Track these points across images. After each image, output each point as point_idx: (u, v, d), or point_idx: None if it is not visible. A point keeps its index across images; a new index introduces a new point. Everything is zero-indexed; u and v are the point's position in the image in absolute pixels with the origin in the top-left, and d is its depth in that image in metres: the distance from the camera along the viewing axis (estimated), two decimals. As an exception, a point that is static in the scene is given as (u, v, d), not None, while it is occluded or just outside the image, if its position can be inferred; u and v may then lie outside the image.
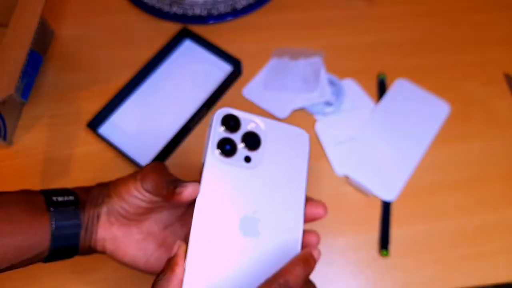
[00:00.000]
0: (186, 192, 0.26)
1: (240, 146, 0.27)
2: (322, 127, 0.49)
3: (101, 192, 0.30)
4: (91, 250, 0.30)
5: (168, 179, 0.28)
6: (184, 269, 0.25)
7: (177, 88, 0.51)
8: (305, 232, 0.28)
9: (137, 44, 0.55)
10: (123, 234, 0.30)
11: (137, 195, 0.29)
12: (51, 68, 0.53)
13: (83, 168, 0.47)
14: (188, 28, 0.54)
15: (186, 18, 0.55)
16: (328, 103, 0.50)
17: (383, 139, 0.48)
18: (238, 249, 0.26)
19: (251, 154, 0.27)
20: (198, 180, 0.27)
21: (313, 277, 0.41)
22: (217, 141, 0.27)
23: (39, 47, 0.53)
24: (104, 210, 0.30)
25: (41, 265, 0.30)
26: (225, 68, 0.53)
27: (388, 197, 0.45)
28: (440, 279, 0.41)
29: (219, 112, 0.28)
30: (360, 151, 0.47)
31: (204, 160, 0.27)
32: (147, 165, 0.30)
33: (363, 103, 0.50)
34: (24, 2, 0.46)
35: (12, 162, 0.47)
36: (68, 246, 0.29)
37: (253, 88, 0.52)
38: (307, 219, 0.28)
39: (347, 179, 0.46)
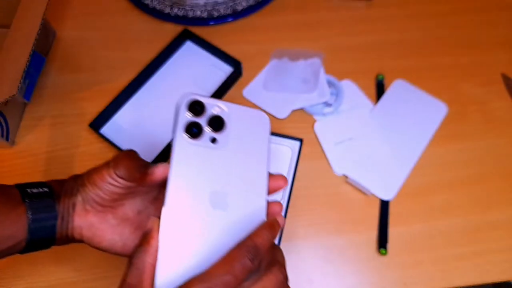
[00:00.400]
0: (158, 171, 0.28)
1: (206, 128, 0.29)
2: (321, 127, 0.49)
3: (76, 182, 0.31)
4: (68, 239, 0.31)
5: (140, 164, 0.30)
6: (158, 241, 0.26)
7: (178, 89, 0.52)
8: (269, 203, 0.30)
9: (138, 45, 0.55)
10: (99, 221, 0.31)
11: (111, 182, 0.30)
12: (53, 69, 0.54)
13: (85, 168, 0.46)
14: (189, 30, 0.54)
15: (187, 19, 0.55)
16: (327, 104, 0.50)
17: (382, 139, 0.48)
18: (208, 221, 0.28)
19: (217, 135, 0.29)
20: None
21: (313, 275, 0.42)
22: (184, 124, 0.29)
23: (41, 48, 0.53)
24: (79, 199, 0.30)
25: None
26: (226, 69, 0.53)
27: (386, 196, 0.45)
28: (438, 278, 0.42)
29: (185, 98, 0.29)
30: (359, 151, 0.48)
31: (173, 143, 0.28)
32: (119, 153, 0.31)
33: (362, 104, 0.51)
34: (26, 4, 0.47)
35: (15, 162, 0.48)
36: (45, 237, 0.30)
37: (253, 88, 0.52)
38: (270, 191, 0.30)
39: (346, 179, 0.46)
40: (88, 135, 0.49)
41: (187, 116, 0.29)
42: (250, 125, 0.31)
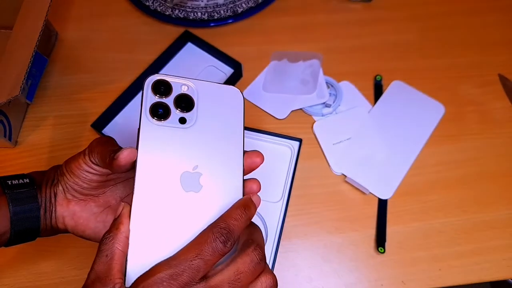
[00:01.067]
0: (122, 156, 0.27)
1: (173, 108, 0.28)
2: (320, 127, 0.50)
3: (56, 171, 0.31)
4: (53, 229, 0.31)
5: (113, 150, 0.28)
6: (128, 227, 0.25)
7: (178, 90, 0.52)
8: (246, 181, 0.29)
9: (140, 46, 0.56)
10: (81, 209, 0.31)
11: (87, 169, 0.30)
12: (56, 70, 0.54)
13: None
14: (190, 31, 0.55)
15: (188, 21, 0.56)
16: (326, 105, 0.51)
17: (380, 139, 0.49)
18: (181, 204, 0.27)
19: (185, 115, 0.28)
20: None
21: (312, 273, 0.42)
22: (149, 106, 0.27)
23: (44, 49, 0.54)
24: (60, 188, 0.31)
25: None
26: (226, 70, 0.54)
27: (384, 195, 0.46)
28: (436, 276, 0.42)
29: (149, 79, 0.28)
30: (357, 150, 0.48)
31: (139, 126, 0.27)
32: (94, 140, 0.31)
33: (360, 104, 0.51)
34: (29, 5, 0.47)
35: (17, 162, 0.48)
36: (29, 228, 0.30)
37: (253, 90, 0.53)
38: (247, 169, 0.29)
39: (344, 178, 0.47)
40: (90, 136, 0.49)
41: (152, 98, 0.28)
42: (222, 102, 0.29)
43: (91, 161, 0.29)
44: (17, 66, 0.43)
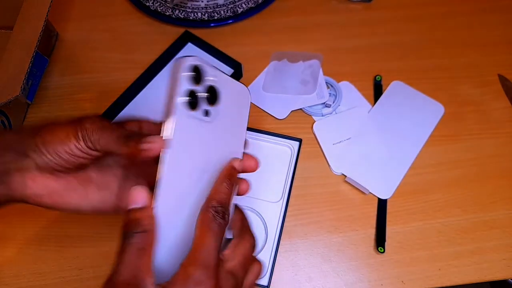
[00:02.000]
0: (154, 147, 0.25)
1: (202, 99, 0.26)
2: (320, 127, 0.50)
3: (23, 141, 0.28)
4: (8, 202, 0.29)
5: (120, 134, 0.27)
6: (155, 221, 0.25)
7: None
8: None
9: (140, 47, 0.56)
10: (62, 188, 0.29)
11: (79, 154, 0.27)
12: (56, 70, 0.54)
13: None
14: (190, 32, 0.55)
15: (188, 21, 0.56)
16: (326, 105, 0.51)
17: (379, 139, 0.49)
18: (193, 199, 0.27)
19: (210, 108, 0.27)
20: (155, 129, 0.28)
21: (312, 273, 0.42)
22: (184, 92, 0.25)
23: (44, 49, 0.54)
24: (31, 164, 0.27)
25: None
26: (226, 71, 0.54)
27: (384, 195, 0.46)
28: (436, 276, 0.42)
29: (186, 62, 0.26)
30: (357, 150, 0.48)
31: (171, 112, 0.25)
32: (86, 121, 0.27)
33: (360, 105, 0.51)
34: (29, 5, 0.47)
35: (18, 162, 0.48)
36: None
37: (253, 90, 0.53)
38: (242, 171, 0.30)
39: (344, 178, 0.47)
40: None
41: (186, 83, 0.26)
42: (236, 98, 0.29)
43: (87, 146, 0.27)
44: (18, 66, 0.43)
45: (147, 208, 0.25)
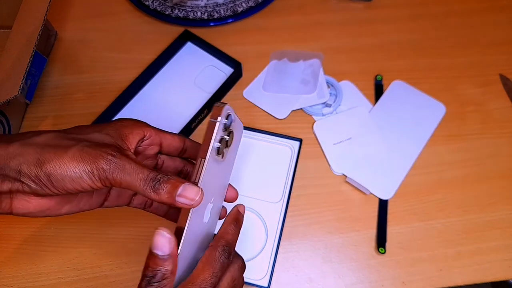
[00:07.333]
0: (189, 203, 0.25)
1: (224, 144, 0.28)
2: (320, 127, 0.50)
3: (9, 161, 0.24)
4: None
5: (145, 176, 0.25)
6: (176, 266, 0.25)
7: (179, 90, 0.52)
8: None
9: (139, 46, 0.56)
10: (56, 203, 0.27)
11: (89, 188, 0.25)
12: (55, 70, 0.54)
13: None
14: (189, 31, 0.55)
15: (188, 21, 0.56)
16: (326, 104, 0.51)
17: (380, 139, 0.49)
18: (200, 233, 0.29)
19: (225, 150, 0.29)
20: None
21: (312, 274, 0.42)
22: (217, 143, 0.27)
23: (43, 49, 0.54)
24: (27, 190, 0.25)
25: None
26: (226, 70, 0.53)
27: (385, 195, 0.45)
28: (436, 277, 0.42)
29: (224, 112, 0.27)
30: (358, 150, 0.48)
31: (205, 161, 0.26)
32: (101, 161, 0.24)
33: (361, 104, 0.51)
34: (28, 5, 0.47)
35: (16, 162, 0.48)
36: None
37: (253, 89, 0.52)
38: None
39: (345, 178, 0.47)
40: (89, 135, 0.49)
41: (220, 133, 0.27)
42: (238, 135, 0.31)
43: (104, 185, 0.25)
44: (16, 65, 0.43)
45: (171, 257, 0.24)
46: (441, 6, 0.59)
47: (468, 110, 0.51)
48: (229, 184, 0.33)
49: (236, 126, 0.30)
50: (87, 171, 0.25)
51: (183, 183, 0.25)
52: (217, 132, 0.26)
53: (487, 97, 0.52)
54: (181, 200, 0.25)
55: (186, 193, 0.25)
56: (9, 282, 0.42)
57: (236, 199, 0.33)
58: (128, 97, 0.51)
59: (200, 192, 0.25)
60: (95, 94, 0.52)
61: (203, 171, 0.26)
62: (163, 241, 0.24)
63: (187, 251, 0.27)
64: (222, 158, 0.28)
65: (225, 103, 0.27)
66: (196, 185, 0.25)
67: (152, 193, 0.25)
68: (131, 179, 0.25)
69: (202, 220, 0.28)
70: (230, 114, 0.28)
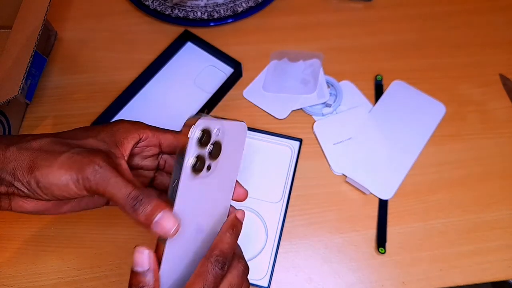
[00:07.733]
0: (164, 229, 0.25)
1: (207, 157, 0.26)
2: (320, 127, 0.50)
3: (5, 167, 0.25)
4: None
5: (127, 192, 0.25)
6: (159, 284, 0.25)
7: (179, 90, 0.52)
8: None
9: (139, 46, 0.56)
10: (54, 205, 0.28)
11: (76, 196, 0.26)
12: (55, 70, 0.54)
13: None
14: (189, 31, 0.55)
15: (188, 21, 0.56)
16: (326, 104, 0.51)
17: (380, 139, 0.49)
18: (192, 247, 0.28)
19: (212, 163, 0.27)
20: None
21: (312, 274, 0.42)
22: (191, 161, 0.25)
23: (43, 49, 0.54)
24: (21, 194, 0.26)
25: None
26: (226, 70, 0.53)
27: (385, 195, 0.45)
28: (436, 277, 0.42)
29: (195, 127, 0.24)
30: (358, 150, 0.48)
31: (178, 183, 0.25)
32: (87, 171, 0.25)
33: (361, 104, 0.51)
34: (28, 5, 0.47)
35: (16, 162, 0.48)
36: None
37: (253, 89, 0.52)
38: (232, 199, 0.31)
39: (345, 178, 0.47)
40: (89, 135, 0.49)
41: (195, 150, 0.25)
42: (234, 139, 0.28)
43: (90, 193, 0.25)
44: (16, 65, 0.43)
45: (151, 271, 0.25)
46: (441, 6, 0.59)
47: (468, 110, 0.51)
48: (238, 182, 0.31)
49: (229, 132, 0.27)
50: (73, 179, 0.25)
51: (163, 209, 0.25)
52: (189, 150, 0.24)
53: (487, 97, 0.52)
54: (157, 228, 0.25)
55: (162, 222, 0.25)
56: (9, 282, 0.42)
57: (244, 199, 0.31)
58: (128, 97, 0.51)
59: (177, 225, 0.25)
60: (95, 94, 0.52)
61: (177, 196, 0.25)
62: (142, 258, 0.25)
63: (176, 264, 0.26)
64: (208, 171, 0.26)
65: (201, 115, 0.25)
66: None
67: (131, 212, 0.25)
68: (114, 192, 0.25)
69: (192, 234, 0.27)
70: (208, 127, 0.25)
